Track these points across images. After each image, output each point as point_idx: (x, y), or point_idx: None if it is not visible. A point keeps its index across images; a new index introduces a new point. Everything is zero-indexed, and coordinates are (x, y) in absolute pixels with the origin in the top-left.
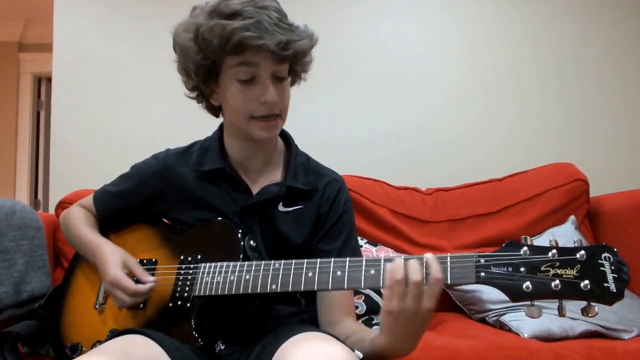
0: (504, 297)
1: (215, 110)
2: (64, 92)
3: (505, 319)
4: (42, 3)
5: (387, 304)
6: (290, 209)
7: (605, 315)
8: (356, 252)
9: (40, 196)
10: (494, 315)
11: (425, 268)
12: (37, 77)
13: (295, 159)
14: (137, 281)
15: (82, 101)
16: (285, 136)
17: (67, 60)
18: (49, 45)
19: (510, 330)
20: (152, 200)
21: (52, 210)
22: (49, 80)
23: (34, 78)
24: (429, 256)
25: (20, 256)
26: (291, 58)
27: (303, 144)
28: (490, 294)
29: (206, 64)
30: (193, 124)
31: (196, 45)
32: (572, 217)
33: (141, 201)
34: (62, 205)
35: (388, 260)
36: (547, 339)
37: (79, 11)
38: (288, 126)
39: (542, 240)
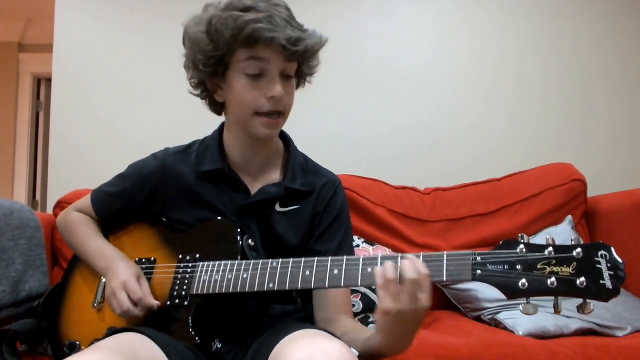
0: (499, 295)
1: (218, 108)
2: (64, 93)
3: (501, 317)
4: (43, 3)
5: (383, 305)
6: (287, 209)
7: (599, 313)
8: (351, 253)
9: (38, 196)
10: (489, 313)
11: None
12: (37, 78)
13: (294, 160)
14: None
15: (81, 102)
16: (284, 137)
17: (67, 61)
18: (49, 46)
19: (505, 328)
20: (151, 199)
21: (50, 211)
22: (49, 81)
23: (34, 79)
24: (409, 256)
25: (18, 256)
26: (301, 56)
27: (302, 142)
28: (486, 292)
29: (216, 56)
30: (193, 125)
31: (208, 37)
32: (569, 217)
33: (141, 200)
34: (61, 205)
35: (386, 258)
36: (542, 336)
37: (80, 12)
38: (287, 125)
39: (537, 240)
